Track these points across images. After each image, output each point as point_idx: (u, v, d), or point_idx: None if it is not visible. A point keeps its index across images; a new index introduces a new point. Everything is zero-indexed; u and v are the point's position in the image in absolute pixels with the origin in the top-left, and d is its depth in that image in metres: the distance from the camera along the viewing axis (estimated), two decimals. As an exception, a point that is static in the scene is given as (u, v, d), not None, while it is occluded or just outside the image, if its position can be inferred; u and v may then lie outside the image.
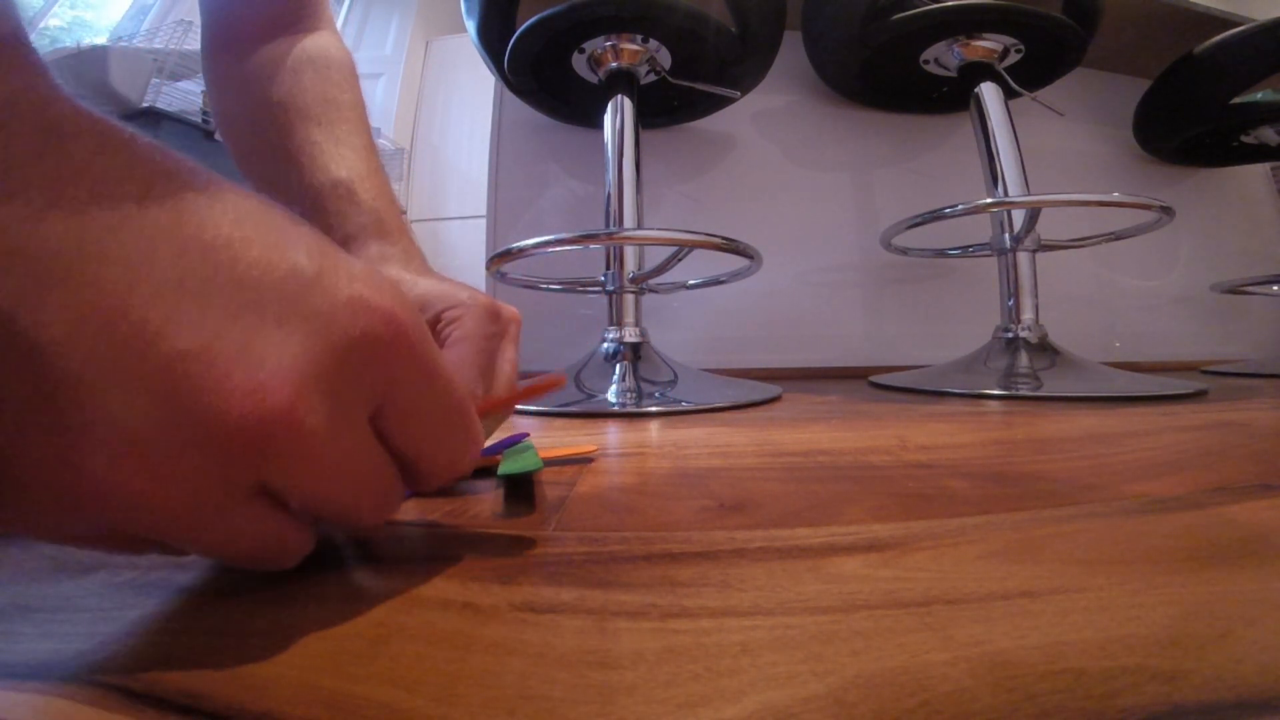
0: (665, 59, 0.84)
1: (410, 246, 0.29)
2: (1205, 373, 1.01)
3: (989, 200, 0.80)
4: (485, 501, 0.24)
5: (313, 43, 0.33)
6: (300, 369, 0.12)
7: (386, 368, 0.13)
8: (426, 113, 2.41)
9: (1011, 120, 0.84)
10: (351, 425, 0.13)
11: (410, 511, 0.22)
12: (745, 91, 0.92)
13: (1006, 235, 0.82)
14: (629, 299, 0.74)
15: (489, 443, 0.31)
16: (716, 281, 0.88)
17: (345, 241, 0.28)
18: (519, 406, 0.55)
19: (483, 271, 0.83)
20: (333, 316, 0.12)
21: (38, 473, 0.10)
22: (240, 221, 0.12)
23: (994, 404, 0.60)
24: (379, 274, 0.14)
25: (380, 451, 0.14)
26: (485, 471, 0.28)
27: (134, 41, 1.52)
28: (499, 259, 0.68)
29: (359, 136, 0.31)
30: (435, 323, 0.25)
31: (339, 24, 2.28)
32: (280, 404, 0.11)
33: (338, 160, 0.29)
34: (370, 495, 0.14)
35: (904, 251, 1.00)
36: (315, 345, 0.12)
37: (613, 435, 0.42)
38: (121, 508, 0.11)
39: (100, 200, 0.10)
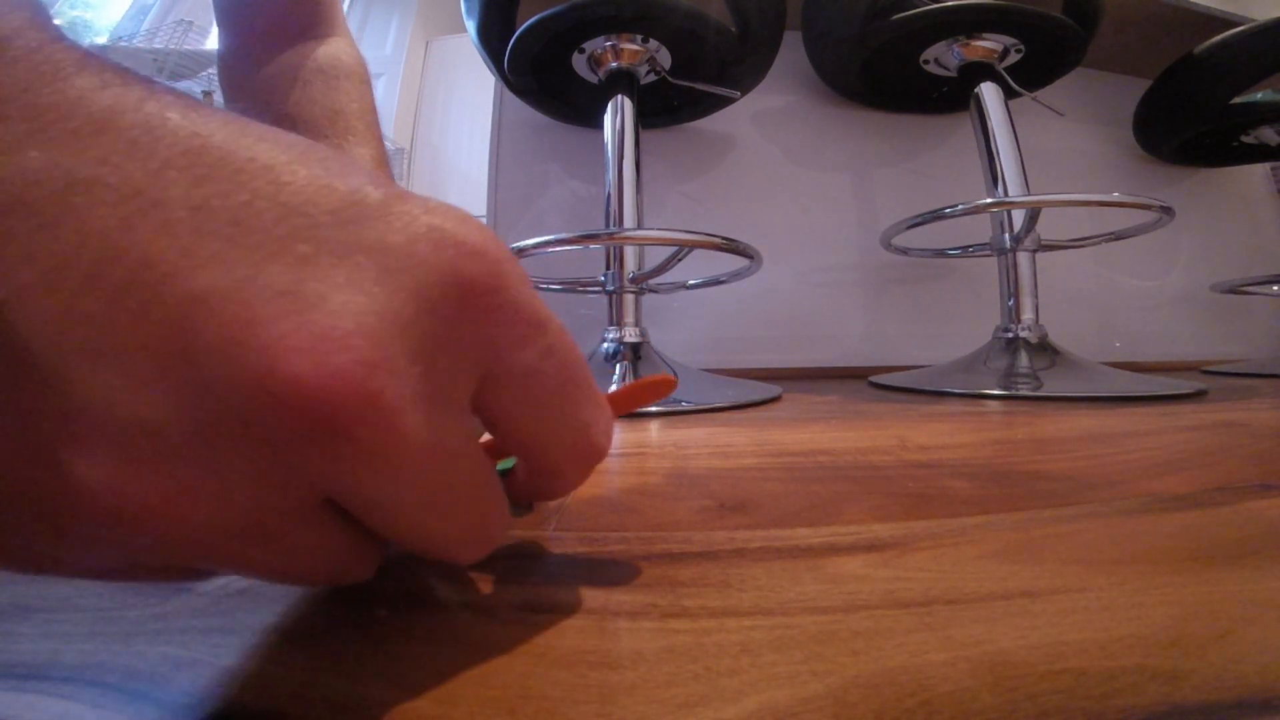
0: (665, 59, 0.84)
1: None
2: (1205, 373, 1.01)
3: (989, 200, 0.80)
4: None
5: (324, 52, 0.33)
6: (377, 316, 0.08)
7: (487, 322, 0.10)
8: (426, 113, 2.41)
9: (1011, 120, 0.84)
10: (449, 407, 0.10)
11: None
12: (745, 91, 0.92)
13: (1006, 235, 0.82)
14: (629, 299, 0.74)
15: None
16: (716, 281, 0.88)
17: None
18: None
19: (483, 271, 0.83)
20: (411, 253, 0.09)
21: (13, 485, 0.08)
22: (278, 146, 0.09)
23: (994, 404, 0.60)
24: (459, 209, 0.10)
25: (479, 451, 0.11)
26: None
27: (134, 41, 1.52)
28: (499, 259, 0.67)
29: (366, 147, 0.31)
30: None
31: (339, 24, 2.28)
32: (352, 364, 0.08)
33: None
34: (473, 514, 0.11)
35: (904, 251, 1.00)
36: (393, 289, 0.09)
37: (612, 435, 0.42)
38: (130, 527, 0.08)
39: (98, 131, 0.08)
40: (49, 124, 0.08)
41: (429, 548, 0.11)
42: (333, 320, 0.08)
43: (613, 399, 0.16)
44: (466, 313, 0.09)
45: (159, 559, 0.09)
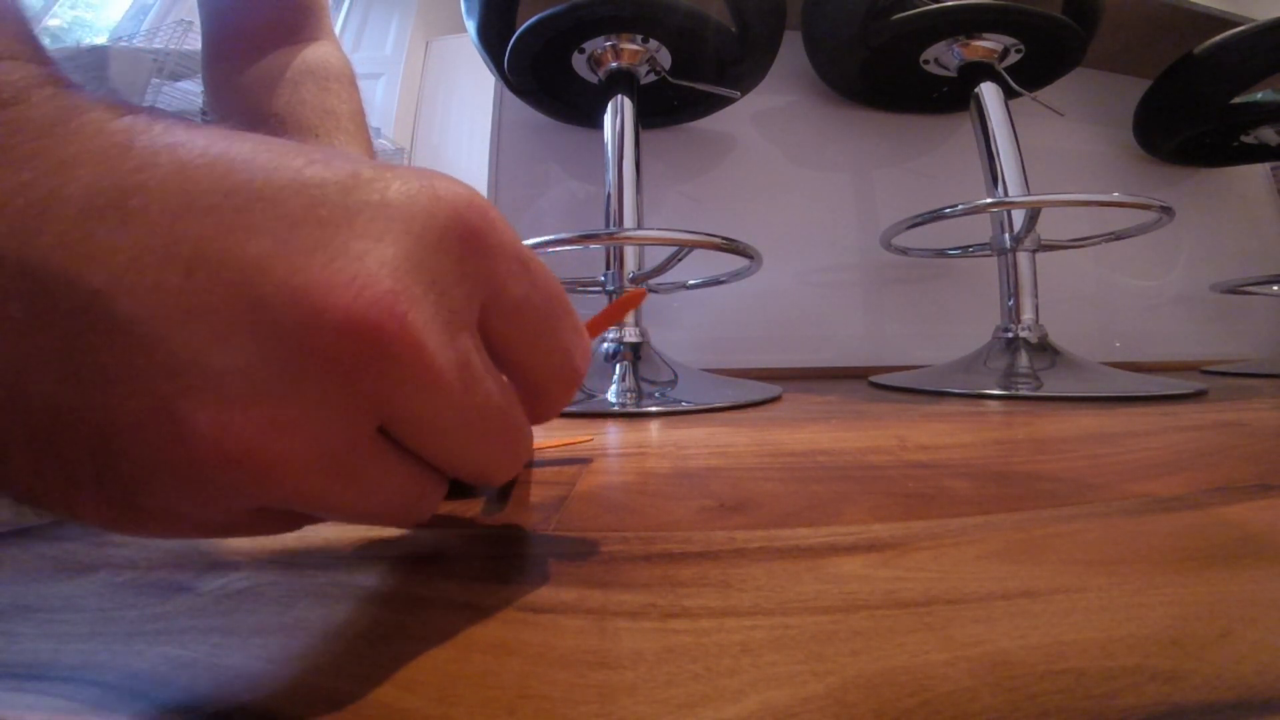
0: (665, 59, 0.84)
1: None
2: (1205, 373, 1.01)
3: (989, 200, 0.80)
4: (484, 503, 0.24)
5: (313, 53, 0.33)
6: (395, 259, 0.10)
7: (483, 260, 0.12)
8: (426, 113, 2.40)
9: (1011, 120, 0.84)
10: (464, 329, 0.11)
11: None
12: (745, 91, 0.92)
13: (1006, 235, 0.82)
14: (629, 299, 0.74)
15: None
16: (716, 281, 0.88)
17: None
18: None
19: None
20: (411, 207, 0.11)
21: (144, 450, 0.09)
22: (279, 146, 0.11)
23: (994, 404, 0.60)
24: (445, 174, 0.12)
25: (497, 372, 0.12)
26: None
27: (134, 41, 1.51)
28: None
29: (355, 146, 0.31)
30: None
31: (339, 24, 2.28)
32: (380, 294, 0.10)
33: None
34: (503, 428, 0.12)
35: (904, 251, 1.00)
36: (402, 236, 0.10)
37: (613, 435, 0.42)
38: (239, 467, 0.09)
39: (124, 152, 0.09)
40: (83, 149, 0.09)
41: (470, 468, 0.13)
42: (359, 263, 0.10)
43: (591, 325, 0.18)
44: (466, 252, 0.11)
45: (267, 500, 0.10)
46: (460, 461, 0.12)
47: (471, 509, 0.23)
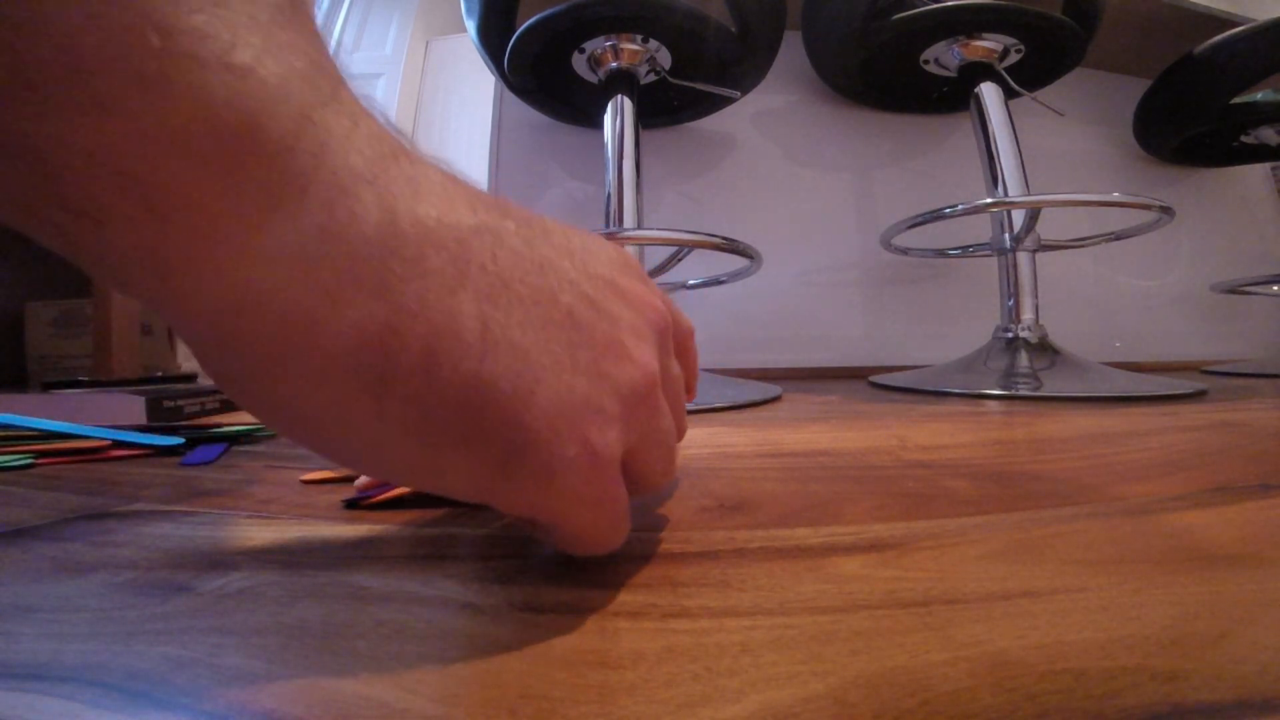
0: (665, 59, 0.84)
1: None
2: (1205, 373, 1.01)
3: (989, 200, 0.80)
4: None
5: None
6: (652, 346, 0.15)
7: (672, 336, 0.17)
8: (426, 113, 2.40)
9: (1011, 120, 0.84)
10: (668, 381, 0.16)
11: (412, 511, 0.22)
12: (745, 91, 0.92)
13: (1006, 235, 0.82)
14: (629, 299, 0.74)
15: None
16: (716, 281, 0.89)
17: None
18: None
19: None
20: (649, 299, 0.16)
21: (482, 481, 0.13)
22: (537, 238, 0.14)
23: (994, 404, 0.60)
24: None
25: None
26: None
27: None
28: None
29: None
30: None
31: (339, 24, 2.28)
32: (653, 364, 0.15)
33: None
34: (672, 453, 0.17)
35: (904, 251, 1.00)
36: (647, 328, 0.15)
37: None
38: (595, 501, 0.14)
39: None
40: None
41: (654, 473, 0.16)
42: (643, 350, 0.15)
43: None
44: (667, 335, 0.17)
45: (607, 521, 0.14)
46: (652, 468, 0.16)
47: (474, 508, 0.23)
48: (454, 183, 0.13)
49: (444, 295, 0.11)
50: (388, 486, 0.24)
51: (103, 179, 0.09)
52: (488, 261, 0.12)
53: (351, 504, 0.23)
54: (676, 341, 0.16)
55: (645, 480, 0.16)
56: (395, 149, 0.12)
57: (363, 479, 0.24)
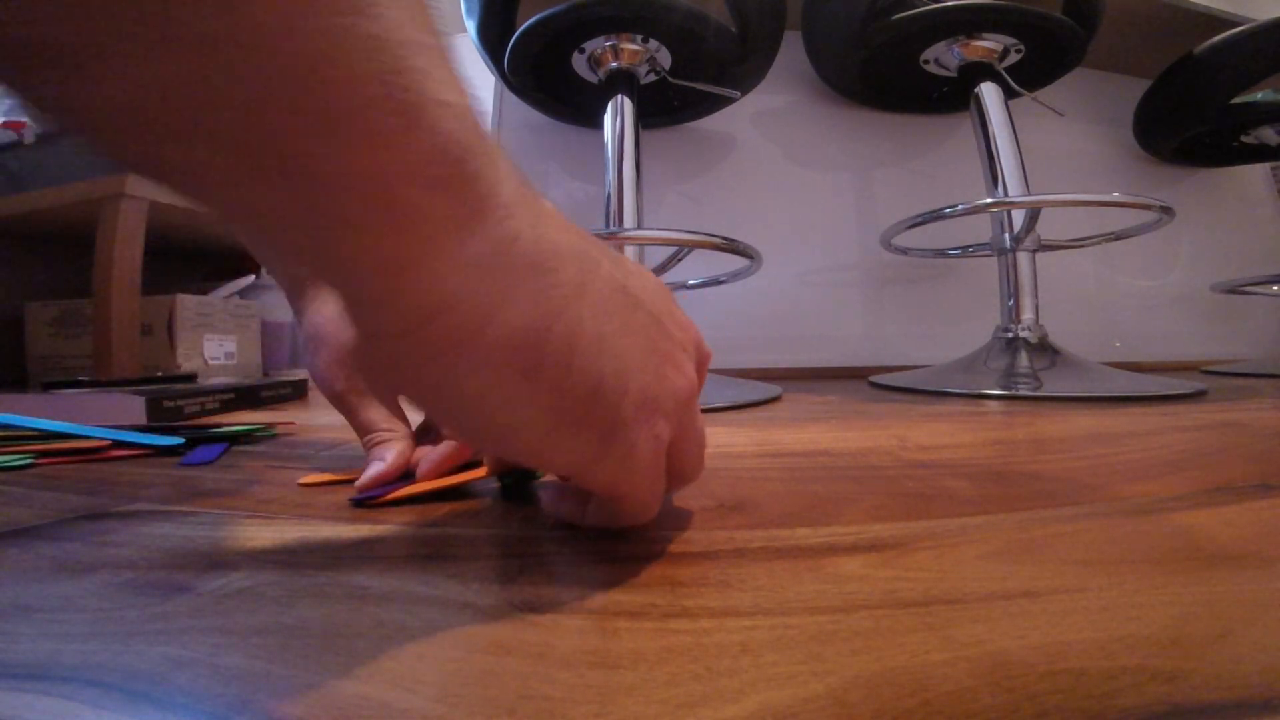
0: (665, 59, 0.84)
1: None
2: (1205, 373, 1.01)
3: (989, 200, 0.80)
4: (485, 502, 0.24)
5: None
6: (693, 363, 0.18)
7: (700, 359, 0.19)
8: (426, 113, 2.40)
9: (1011, 120, 0.84)
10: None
11: (412, 511, 0.22)
12: (745, 91, 0.92)
13: (1006, 235, 0.82)
14: (629, 299, 0.74)
15: None
16: (716, 281, 0.89)
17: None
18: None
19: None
20: (691, 326, 0.19)
21: (591, 450, 0.15)
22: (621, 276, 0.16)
23: (994, 404, 0.60)
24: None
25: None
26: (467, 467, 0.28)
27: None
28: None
29: None
30: None
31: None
32: (694, 377, 0.18)
33: None
34: (703, 451, 0.19)
35: (904, 251, 1.00)
36: (691, 348, 0.18)
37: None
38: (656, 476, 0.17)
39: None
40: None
41: (689, 464, 0.19)
42: (687, 367, 0.18)
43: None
44: (698, 356, 0.19)
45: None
46: (689, 459, 0.19)
47: (474, 508, 0.23)
48: (559, 213, 0.16)
49: (572, 303, 0.14)
50: (393, 487, 0.24)
51: (369, 196, 0.11)
52: (594, 279, 0.15)
53: (359, 503, 0.23)
54: (697, 364, 0.19)
55: (681, 471, 0.19)
56: (525, 181, 0.14)
57: (363, 479, 0.24)
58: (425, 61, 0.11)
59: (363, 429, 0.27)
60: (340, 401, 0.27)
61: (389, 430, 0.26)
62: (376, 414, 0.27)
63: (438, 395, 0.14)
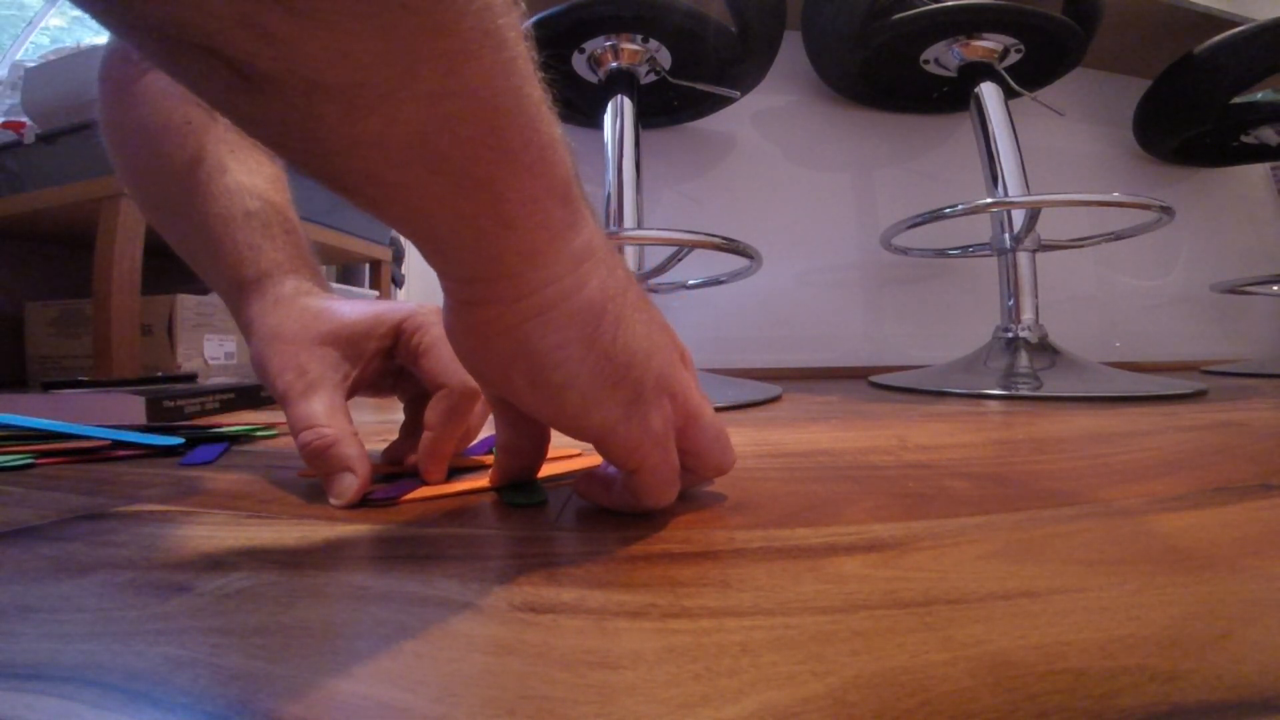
0: (665, 59, 0.84)
1: (319, 276, 0.30)
2: (1205, 373, 1.01)
3: (989, 200, 0.80)
4: (485, 502, 0.24)
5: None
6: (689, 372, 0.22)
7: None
8: (426, 113, 2.40)
9: (1011, 120, 0.84)
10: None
11: (412, 512, 0.22)
12: (745, 91, 0.92)
13: (1006, 235, 0.82)
14: (629, 299, 0.74)
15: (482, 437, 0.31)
16: (716, 281, 0.89)
17: (260, 278, 0.28)
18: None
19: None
20: (677, 342, 0.22)
21: (622, 422, 0.19)
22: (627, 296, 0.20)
23: (994, 404, 0.60)
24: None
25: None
26: (460, 471, 0.28)
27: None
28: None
29: (271, 166, 0.31)
30: (399, 334, 0.27)
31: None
32: (688, 376, 0.21)
33: (250, 192, 0.29)
34: (724, 436, 0.22)
35: (904, 251, 1.00)
36: (679, 356, 0.22)
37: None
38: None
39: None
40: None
41: (707, 457, 0.22)
42: (686, 378, 0.21)
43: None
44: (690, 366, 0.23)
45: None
46: (705, 453, 0.21)
47: (474, 508, 0.23)
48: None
49: (622, 294, 0.19)
50: (404, 488, 0.24)
51: (526, 205, 0.16)
52: (633, 282, 0.20)
53: (367, 503, 0.23)
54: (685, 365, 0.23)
55: (698, 453, 0.21)
56: (581, 195, 0.18)
57: (344, 495, 0.23)
58: (549, 110, 0.16)
59: (301, 421, 0.25)
60: (287, 392, 0.26)
61: (328, 427, 0.25)
62: (320, 409, 0.25)
63: (520, 350, 0.18)
